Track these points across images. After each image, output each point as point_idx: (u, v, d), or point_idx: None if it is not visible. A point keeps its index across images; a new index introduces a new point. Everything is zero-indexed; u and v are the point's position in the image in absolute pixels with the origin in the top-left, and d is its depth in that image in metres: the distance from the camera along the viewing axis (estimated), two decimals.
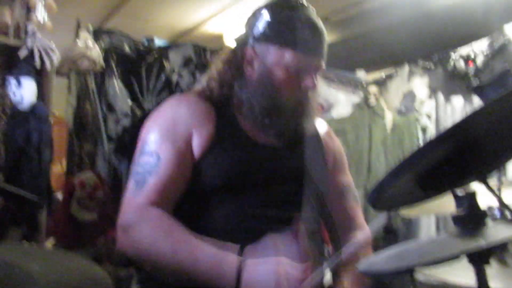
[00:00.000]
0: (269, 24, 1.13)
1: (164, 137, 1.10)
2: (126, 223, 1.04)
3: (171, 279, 1.03)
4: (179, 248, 0.98)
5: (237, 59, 1.18)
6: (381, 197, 0.78)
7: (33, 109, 2.27)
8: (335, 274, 1.15)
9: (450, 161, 0.73)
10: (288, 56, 1.11)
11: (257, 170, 1.12)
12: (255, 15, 1.17)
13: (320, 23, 1.15)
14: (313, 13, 1.16)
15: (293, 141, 1.19)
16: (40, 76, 2.32)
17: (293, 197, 1.13)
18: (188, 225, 1.04)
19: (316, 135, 1.28)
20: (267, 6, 1.15)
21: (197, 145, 1.11)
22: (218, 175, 1.10)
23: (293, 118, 1.15)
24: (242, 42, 1.18)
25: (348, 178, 1.32)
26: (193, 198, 1.11)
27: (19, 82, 2.23)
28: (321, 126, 1.33)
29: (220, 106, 1.17)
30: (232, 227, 1.06)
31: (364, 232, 1.26)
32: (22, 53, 2.25)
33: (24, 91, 2.23)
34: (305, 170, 1.15)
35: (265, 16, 1.14)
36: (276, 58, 1.12)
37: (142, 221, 1.02)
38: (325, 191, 1.22)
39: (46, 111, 2.34)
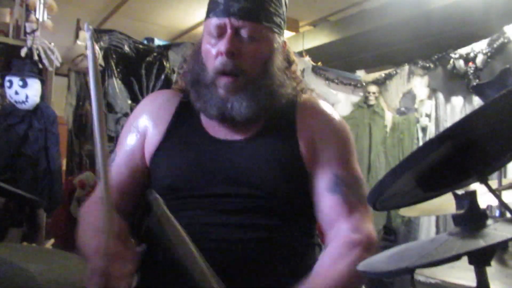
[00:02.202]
0: (208, 2, 1.07)
1: (124, 134, 1.14)
2: (80, 214, 1.09)
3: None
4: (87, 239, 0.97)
5: (196, 49, 1.13)
6: (381, 197, 0.78)
7: (39, 109, 2.28)
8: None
9: (450, 161, 0.73)
10: (207, 25, 1.03)
11: (210, 166, 1.03)
12: None
13: None
14: None
15: (256, 134, 1.07)
16: (41, 76, 2.33)
17: (253, 199, 1.01)
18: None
19: (289, 122, 1.10)
20: None
21: (151, 138, 1.10)
22: (168, 172, 1.06)
23: (216, 92, 1.03)
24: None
25: (341, 169, 1.07)
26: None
27: (24, 82, 2.23)
28: (309, 109, 1.14)
29: (187, 99, 1.11)
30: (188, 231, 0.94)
31: (357, 232, 1.00)
32: (23, 53, 2.25)
33: (29, 91, 2.23)
34: (266, 166, 1.03)
35: None
36: (204, 31, 1.06)
37: (85, 215, 1.06)
38: (284, 187, 1.04)
39: (53, 111, 2.35)
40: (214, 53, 1.02)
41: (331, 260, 0.97)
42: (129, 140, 1.12)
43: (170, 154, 1.07)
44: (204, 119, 1.10)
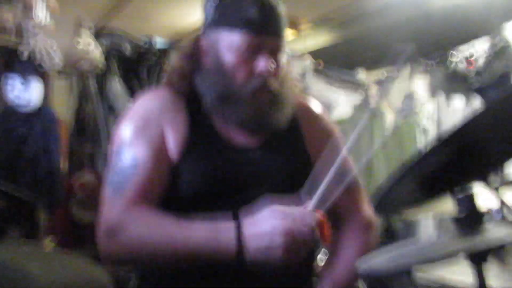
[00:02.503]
0: (217, 8, 1.06)
1: (138, 136, 1.05)
2: (112, 227, 0.98)
3: (172, 268, 1.00)
4: (173, 235, 0.94)
5: (194, 51, 1.12)
6: (383, 200, 0.78)
7: (40, 110, 2.28)
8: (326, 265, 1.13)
9: (451, 163, 0.73)
10: (236, 38, 1.03)
11: (232, 176, 1.06)
12: (207, 1, 1.10)
13: (272, 1, 1.06)
14: None
15: (268, 139, 1.11)
16: (43, 77, 2.33)
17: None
18: None
19: (295, 126, 1.17)
20: None
21: (172, 145, 1.06)
22: (193, 182, 1.04)
23: (254, 106, 1.05)
24: (199, 33, 1.12)
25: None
26: (171, 204, 1.05)
27: (26, 83, 2.22)
28: (307, 111, 1.22)
29: (192, 102, 1.11)
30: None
31: (366, 217, 1.16)
32: (25, 54, 2.25)
33: (31, 93, 2.23)
34: (283, 171, 1.09)
35: (213, 1, 1.08)
36: (226, 43, 1.04)
37: (130, 220, 0.98)
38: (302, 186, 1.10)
39: (54, 112, 2.35)
40: (247, 68, 1.04)
41: (349, 240, 1.12)
42: (150, 139, 1.06)
43: (192, 163, 1.05)
44: (219, 126, 1.10)
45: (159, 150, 1.05)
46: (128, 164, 1.03)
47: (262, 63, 1.03)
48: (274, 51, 1.06)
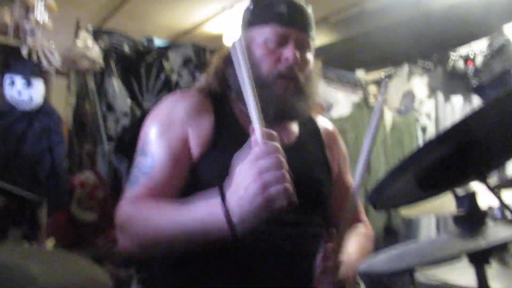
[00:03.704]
0: (252, 11, 1.16)
1: (160, 137, 1.08)
2: (121, 221, 1.02)
3: (177, 251, 1.01)
4: (169, 215, 0.95)
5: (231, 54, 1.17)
6: (382, 196, 0.78)
7: (42, 109, 2.27)
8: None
9: (450, 160, 0.73)
10: (266, 31, 1.12)
11: None
12: (244, 10, 1.21)
13: (300, 1, 1.16)
14: None
15: (294, 141, 1.18)
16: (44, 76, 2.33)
17: (305, 199, 1.05)
18: None
19: (316, 133, 1.27)
20: None
21: (195, 144, 1.09)
22: (217, 176, 1.04)
23: (279, 92, 1.11)
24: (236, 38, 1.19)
25: (350, 177, 1.31)
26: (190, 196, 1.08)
27: (28, 82, 2.22)
28: (324, 124, 1.33)
29: (219, 102, 1.16)
30: None
31: (367, 227, 1.28)
32: (25, 53, 2.25)
33: (33, 92, 2.22)
34: (306, 170, 1.14)
35: (249, 5, 1.18)
36: (257, 38, 1.13)
37: (134, 212, 1.01)
38: (327, 191, 1.20)
39: (57, 111, 2.35)
40: (274, 57, 1.11)
41: (354, 237, 1.17)
42: (170, 139, 1.08)
43: (220, 161, 1.05)
44: (243, 122, 1.13)
45: (179, 152, 1.07)
46: (146, 163, 1.07)
47: (289, 51, 1.10)
48: (300, 45, 1.13)
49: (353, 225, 1.24)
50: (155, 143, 1.08)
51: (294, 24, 1.12)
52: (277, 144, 0.86)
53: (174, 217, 0.95)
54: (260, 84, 1.06)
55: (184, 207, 0.95)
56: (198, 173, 1.08)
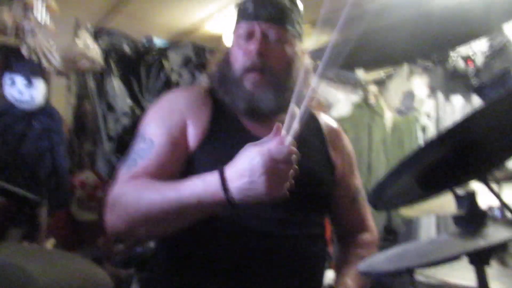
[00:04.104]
0: (237, 10, 1.17)
1: (160, 124, 1.10)
2: (113, 199, 1.02)
3: (166, 229, 1.01)
4: (164, 193, 0.95)
5: (227, 55, 1.19)
6: (382, 196, 0.78)
7: (43, 109, 2.27)
8: (338, 273, 1.15)
9: (450, 160, 0.73)
10: (237, 30, 1.14)
11: None
12: None
13: None
14: None
15: (296, 137, 1.17)
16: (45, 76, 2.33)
17: (292, 196, 1.08)
18: None
19: (318, 131, 1.26)
20: None
21: (193, 135, 1.10)
22: (213, 166, 1.04)
23: (245, 87, 1.10)
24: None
25: (358, 180, 1.29)
26: None
27: (29, 82, 2.22)
28: (327, 122, 1.31)
29: (220, 99, 1.16)
30: (227, 225, 1.04)
31: (372, 233, 1.27)
32: (26, 53, 2.25)
33: (34, 91, 2.22)
34: (306, 168, 1.13)
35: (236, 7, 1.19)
36: (234, 36, 1.16)
37: (127, 189, 1.01)
38: (329, 190, 1.19)
39: (57, 111, 2.35)
40: (243, 52, 1.12)
41: (359, 253, 1.17)
42: (170, 125, 1.10)
43: (215, 152, 1.08)
44: (244, 120, 1.14)
45: (177, 138, 1.09)
46: (144, 146, 1.08)
47: (252, 44, 1.10)
48: (271, 37, 1.11)
49: (357, 234, 1.24)
50: (155, 129, 1.10)
51: (259, 18, 1.11)
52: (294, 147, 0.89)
53: (169, 191, 0.95)
54: (231, 81, 1.12)
55: (180, 183, 0.96)
56: (194, 164, 1.08)
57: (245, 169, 0.87)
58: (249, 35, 1.12)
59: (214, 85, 1.17)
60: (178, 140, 1.09)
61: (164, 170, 1.06)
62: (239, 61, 1.12)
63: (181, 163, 1.09)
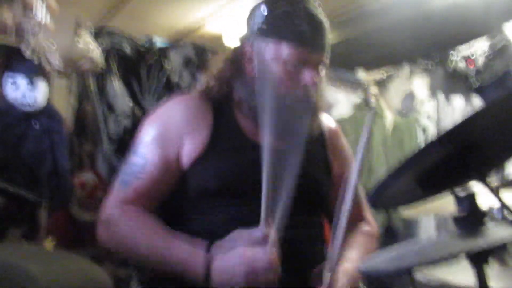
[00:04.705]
0: (267, 19, 1.10)
1: (155, 141, 1.11)
2: (107, 218, 1.08)
3: (149, 270, 1.10)
4: (153, 242, 1.03)
5: (238, 57, 1.16)
6: (382, 196, 0.78)
7: (44, 109, 2.27)
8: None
9: (450, 161, 0.73)
10: (285, 50, 1.08)
11: (255, 172, 1.05)
12: (254, 10, 1.15)
13: (321, 16, 1.11)
14: (314, 6, 1.11)
15: (296, 142, 1.16)
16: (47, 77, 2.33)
17: (293, 201, 1.07)
18: (179, 227, 1.06)
19: (320, 134, 1.26)
20: (265, 0, 1.13)
21: (190, 150, 1.10)
22: (214, 178, 1.08)
23: (294, 116, 1.10)
24: (243, 40, 1.17)
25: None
26: (185, 201, 1.11)
27: (31, 82, 2.22)
28: (328, 123, 1.31)
29: (220, 105, 1.16)
30: (227, 227, 1.03)
31: (372, 226, 1.26)
32: (29, 54, 2.25)
33: (37, 93, 2.22)
34: (306, 173, 1.11)
35: (263, 10, 1.11)
36: (274, 53, 1.09)
37: (121, 216, 1.07)
38: (327, 192, 1.19)
39: (58, 111, 2.35)
40: (292, 79, 1.09)
41: (359, 244, 1.17)
42: (164, 145, 1.11)
43: (217, 159, 1.09)
44: (244, 125, 1.14)
45: (170, 159, 1.10)
46: (138, 163, 1.11)
47: (308, 77, 1.09)
48: (318, 65, 1.12)
49: (356, 224, 1.23)
50: (149, 146, 1.11)
51: (314, 46, 1.09)
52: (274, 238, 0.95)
53: (155, 248, 1.02)
54: (276, 105, 1.07)
55: (172, 240, 1.02)
56: (194, 175, 1.10)
57: (228, 272, 0.94)
58: (302, 62, 1.09)
59: (246, 102, 1.14)
60: (171, 160, 1.10)
61: (156, 189, 1.10)
62: (288, 86, 1.09)
63: (174, 182, 1.11)
